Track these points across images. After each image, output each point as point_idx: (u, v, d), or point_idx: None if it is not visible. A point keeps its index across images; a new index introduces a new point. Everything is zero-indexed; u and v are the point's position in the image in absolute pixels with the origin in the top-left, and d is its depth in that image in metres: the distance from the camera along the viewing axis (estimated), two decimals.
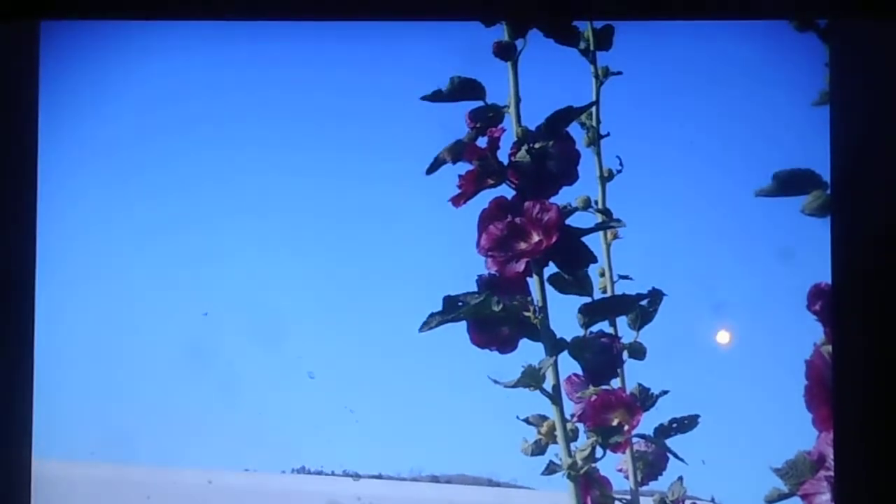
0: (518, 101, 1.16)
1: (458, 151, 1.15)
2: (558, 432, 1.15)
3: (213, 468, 1.20)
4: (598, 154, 1.18)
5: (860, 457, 1.11)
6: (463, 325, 1.15)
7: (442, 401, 1.16)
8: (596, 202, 1.18)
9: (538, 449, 1.15)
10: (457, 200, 1.16)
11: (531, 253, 1.15)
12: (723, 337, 1.15)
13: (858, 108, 1.13)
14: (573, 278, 1.16)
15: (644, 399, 1.15)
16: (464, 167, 1.16)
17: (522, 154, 1.15)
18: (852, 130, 1.13)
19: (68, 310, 1.22)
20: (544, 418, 1.15)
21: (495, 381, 1.14)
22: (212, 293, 1.21)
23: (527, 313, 1.15)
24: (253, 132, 1.21)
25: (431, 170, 1.15)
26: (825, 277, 1.13)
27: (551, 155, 1.15)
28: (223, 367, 1.19)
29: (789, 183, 1.14)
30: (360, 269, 1.19)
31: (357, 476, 1.18)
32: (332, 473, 1.19)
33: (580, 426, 1.15)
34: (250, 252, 1.21)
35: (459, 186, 1.15)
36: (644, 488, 1.17)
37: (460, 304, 1.14)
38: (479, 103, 1.16)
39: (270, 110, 1.21)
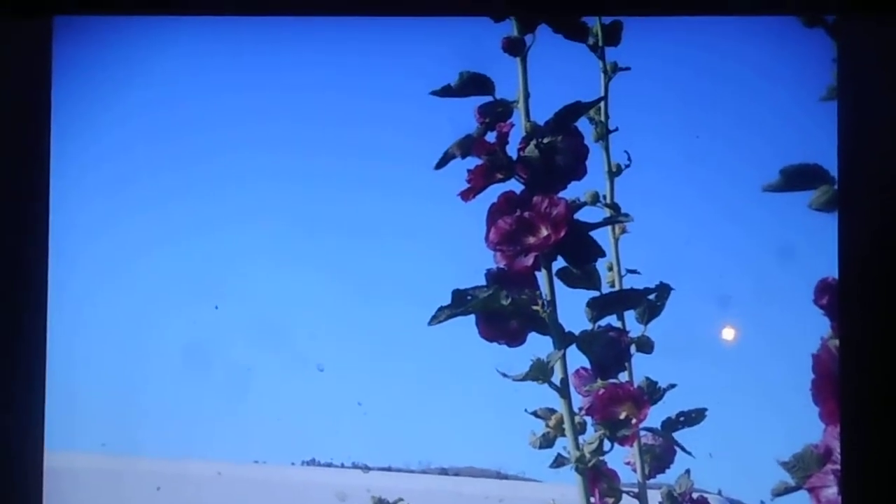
0: (527, 96, 1.16)
1: (468, 146, 1.16)
2: (566, 425, 1.15)
3: (223, 460, 1.21)
4: (607, 149, 1.18)
5: (867, 450, 1.11)
6: (472, 318, 1.15)
7: (451, 394, 1.16)
8: (604, 197, 1.18)
9: (546, 442, 1.15)
10: (466, 195, 1.16)
11: (539, 247, 1.15)
12: (730, 331, 1.16)
13: (866, 103, 1.14)
14: (581, 272, 1.16)
15: (652, 392, 1.15)
16: (473, 162, 1.17)
17: (531, 149, 1.16)
18: (859, 126, 1.13)
19: (81, 304, 1.22)
20: (552, 411, 1.16)
21: (504, 375, 1.14)
22: (222, 287, 1.21)
23: (535, 307, 1.15)
24: (263, 129, 1.21)
25: (441, 165, 1.16)
26: (832, 272, 1.13)
27: (560, 150, 1.15)
28: (232, 360, 1.20)
29: (796, 178, 1.14)
30: (370, 262, 1.19)
31: (366, 468, 1.19)
32: (342, 466, 1.19)
33: (588, 419, 1.16)
34: (260, 246, 1.21)
35: (468, 181, 1.16)
36: (651, 481, 1.17)
37: (469, 297, 1.15)
38: (488, 98, 1.16)
39: (280, 108, 1.21)
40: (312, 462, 1.20)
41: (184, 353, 1.21)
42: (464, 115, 1.17)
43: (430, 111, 1.17)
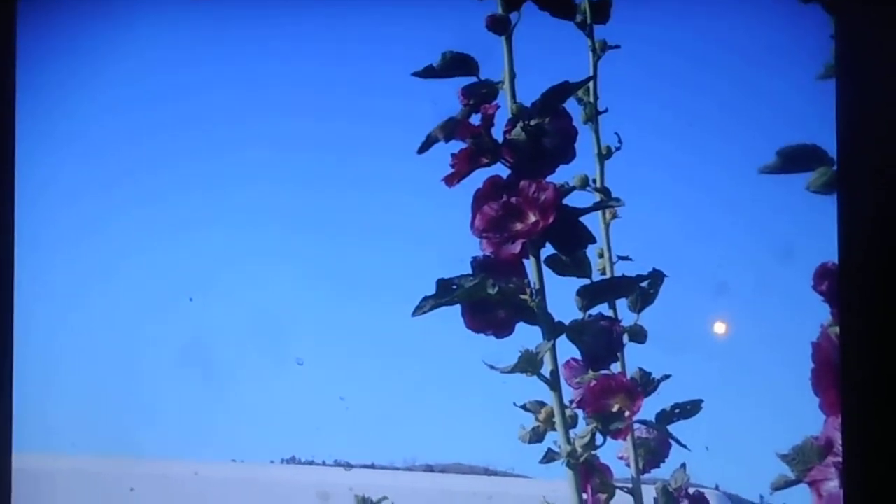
0: (513, 76, 1.12)
1: (451, 129, 1.12)
2: (557, 419, 1.11)
3: (200, 459, 1.18)
4: (596, 131, 1.15)
5: (869, 442, 1.08)
6: (457, 309, 1.11)
7: (436, 387, 1.14)
8: (594, 180, 1.15)
9: (536, 436, 1.12)
10: (450, 180, 1.12)
11: (527, 234, 1.11)
12: (726, 319, 1.12)
13: (865, 81, 1.10)
14: (571, 260, 1.12)
15: (645, 384, 1.12)
16: (457, 146, 1.12)
17: (518, 131, 1.12)
18: (859, 105, 1.10)
19: (50, 302, 1.19)
20: (542, 404, 1.12)
21: (491, 367, 1.10)
22: (198, 281, 1.18)
23: (523, 296, 1.11)
24: (241, 125, 1.18)
25: (423, 149, 1.12)
26: (832, 257, 1.09)
27: (547, 132, 1.11)
28: (209, 356, 1.17)
29: (794, 159, 1.10)
30: (350, 253, 1.16)
31: (349, 466, 1.16)
32: (323, 463, 1.17)
33: (579, 412, 1.12)
34: (236, 240, 1.18)
35: (452, 165, 1.12)
36: (646, 476, 1.15)
37: (454, 287, 1.10)
38: (473, 79, 1.12)
39: (259, 101, 1.18)
40: (293, 460, 1.17)
41: (159, 350, 1.18)
42: (447, 96, 1.13)
43: (411, 93, 1.13)
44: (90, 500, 1.18)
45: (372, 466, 1.15)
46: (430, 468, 1.15)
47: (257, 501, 1.18)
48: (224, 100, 1.19)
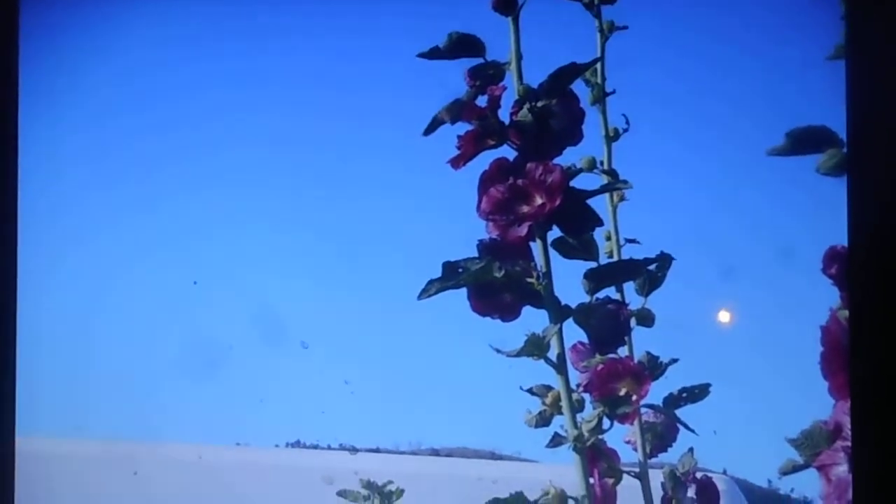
0: (519, 57, 1.11)
1: (457, 111, 1.10)
2: (563, 403, 1.10)
3: (204, 442, 1.17)
4: (604, 112, 1.14)
5: (878, 426, 1.07)
6: (463, 291, 1.10)
7: (442, 371, 1.13)
8: (601, 163, 1.13)
9: (543, 420, 1.11)
10: (456, 162, 1.11)
11: (534, 216, 1.10)
12: (734, 303, 1.11)
13: (875, 62, 1.08)
14: (578, 242, 1.11)
15: (653, 367, 1.11)
16: (463, 128, 1.11)
17: (524, 113, 1.10)
18: (869, 86, 1.08)
19: (53, 285, 1.18)
20: (549, 388, 1.11)
21: (497, 351, 1.09)
22: (201, 264, 1.17)
23: (530, 279, 1.10)
24: (240, 106, 1.17)
25: (429, 131, 1.10)
26: (841, 239, 1.08)
27: (554, 114, 1.10)
28: (213, 339, 1.16)
29: (803, 141, 1.09)
30: (355, 235, 1.15)
31: (354, 450, 1.15)
32: (328, 447, 1.16)
33: (586, 396, 1.11)
34: (240, 221, 1.17)
35: (458, 147, 1.10)
36: (653, 460, 1.14)
37: (460, 270, 1.09)
38: (479, 60, 1.11)
39: (256, 82, 1.17)
40: (297, 444, 1.17)
41: (163, 334, 1.17)
42: (453, 78, 1.11)
43: (416, 74, 1.12)
44: (93, 484, 1.17)
45: (377, 450, 1.15)
46: (435, 452, 1.14)
47: (262, 485, 1.17)
48: (226, 96, 1.19)
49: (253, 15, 1.16)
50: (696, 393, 1.11)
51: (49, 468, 1.16)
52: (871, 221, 1.07)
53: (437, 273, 1.09)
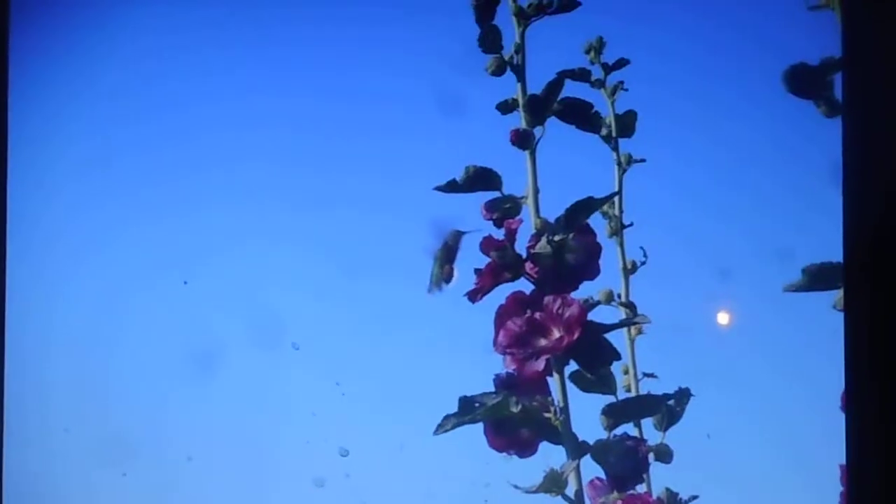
0: (536, 191, 1.11)
1: (448, 258, 1.11)
2: None
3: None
4: (621, 245, 1.13)
5: (877, 429, 1.03)
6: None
7: (434, 373, 1.11)
8: (619, 295, 1.13)
9: None
10: (473, 295, 1.10)
11: (552, 350, 1.09)
12: (732, 305, 1.10)
13: (873, 70, 1.05)
14: (596, 376, 1.10)
15: None
16: (478, 261, 1.11)
17: (542, 245, 1.10)
18: (866, 87, 1.05)
19: (44, 286, 1.18)
20: None
21: (516, 487, 1.08)
22: (192, 266, 1.16)
23: (547, 414, 1.09)
24: (234, 93, 1.17)
25: (432, 290, 1.11)
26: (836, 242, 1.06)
27: (571, 248, 1.10)
28: (203, 340, 1.15)
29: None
30: (349, 236, 1.16)
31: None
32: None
33: None
34: (231, 223, 1.16)
35: (476, 283, 1.10)
36: None
37: (477, 405, 1.09)
38: (496, 194, 1.11)
39: (253, 70, 1.17)
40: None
41: (152, 334, 1.16)
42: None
43: (421, 85, 1.13)
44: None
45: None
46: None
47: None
48: (218, 83, 1.18)
49: (255, 23, 1.17)
50: None
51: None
52: (868, 224, 1.04)
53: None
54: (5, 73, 1.17)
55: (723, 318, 1.13)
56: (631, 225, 1.13)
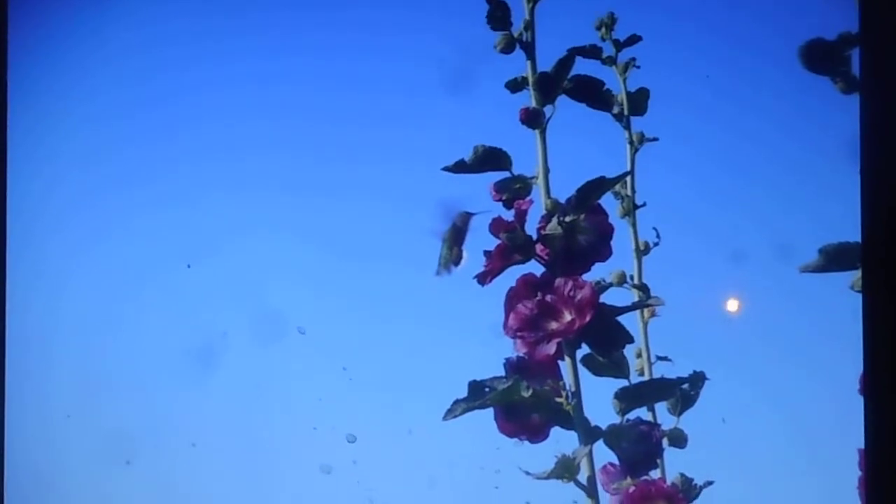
0: (546, 171, 1.09)
1: (457, 240, 1.09)
2: None
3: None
4: (634, 225, 1.12)
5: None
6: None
7: (443, 358, 1.10)
8: (631, 277, 1.11)
9: None
10: (483, 278, 1.08)
11: (563, 333, 1.07)
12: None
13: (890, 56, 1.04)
14: (608, 360, 1.08)
15: (687, 490, 1.07)
16: (487, 243, 1.09)
17: (553, 226, 1.08)
18: (883, 75, 1.03)
19: (45, 273, 1.18)
20: None
21: (527, 473, 1.06)
22: (196, 250, 1.15)
23: (559, 399, 1.07)
24: (233, 82, 1.17)
25: (440, 272, 1.09)
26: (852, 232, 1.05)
27: (583, 229, 1.08)
28: (207, 326, 1.14)
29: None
30: (353, 223, 1.15)
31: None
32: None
33: None
34: (235, 207, 1.16)
35: (486, 265, 1.08)
36: None
37: (487, 389, 1.07)
38: (506, 174, 1.09)
39: (253, 59, 1.16)
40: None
41: (155, 320, 1.15)
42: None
43: (428, 74, 1.12)
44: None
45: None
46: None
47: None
48: (219, 72, 1.17)
49: (256, 9, 1.16)
50: None
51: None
52: (886, 199, 1.02)
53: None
54: (4, 67, 1.17)
55: (737, 300, 1.11)
56: (644, 205, 1.11)
